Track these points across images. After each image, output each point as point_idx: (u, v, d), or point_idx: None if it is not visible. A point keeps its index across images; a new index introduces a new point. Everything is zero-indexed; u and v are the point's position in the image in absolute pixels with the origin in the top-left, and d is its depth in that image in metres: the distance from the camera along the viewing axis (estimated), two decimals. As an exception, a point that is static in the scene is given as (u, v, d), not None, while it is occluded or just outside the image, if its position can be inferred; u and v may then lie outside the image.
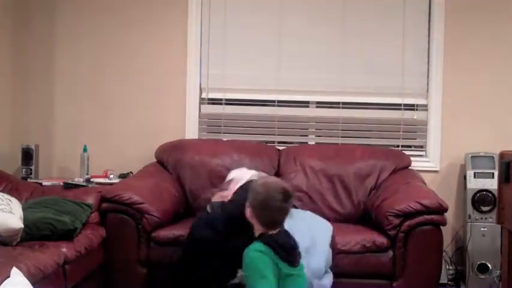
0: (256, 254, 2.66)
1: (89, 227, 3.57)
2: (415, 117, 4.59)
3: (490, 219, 4.09)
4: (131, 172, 4.35)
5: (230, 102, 4.68)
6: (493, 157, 4.17)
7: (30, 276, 2.65)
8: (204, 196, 4.11)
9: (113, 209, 3.69)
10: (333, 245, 3.50)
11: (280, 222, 2.77)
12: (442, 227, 3.60)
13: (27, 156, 4.38)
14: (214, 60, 4.63)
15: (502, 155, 3.22)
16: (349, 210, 4.13)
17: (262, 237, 2.72)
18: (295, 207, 3.70)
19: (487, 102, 4.48)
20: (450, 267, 4.37)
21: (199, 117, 4.66)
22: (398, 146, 4.59)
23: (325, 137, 4.66)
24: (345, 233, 3.66)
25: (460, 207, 4.42)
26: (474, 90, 4.48)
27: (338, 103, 4.62)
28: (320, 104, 4.67)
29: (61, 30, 4.65)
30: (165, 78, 4.62)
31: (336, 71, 4.59)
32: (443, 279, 4.13)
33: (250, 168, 4.08)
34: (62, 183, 4.05)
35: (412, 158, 4.39)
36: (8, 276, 2.54)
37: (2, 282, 2.48)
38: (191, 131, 4.62)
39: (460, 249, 4.38)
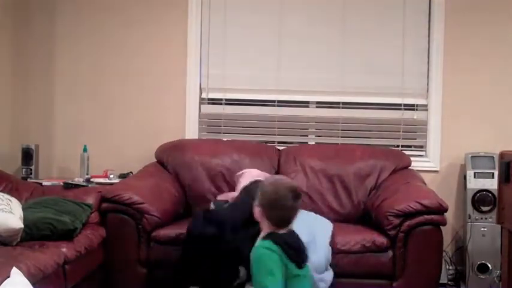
0: (266, 252, 2.67)
1: (89, 227, 3.57)
2: (415, 117, 4.59)
3: (490, 219, 4.09)
4: (131, 172, 4.35)
5: (230, 102, 4.68)
6: (493, 157, 4.17)
7: (30, 276, 2.65)
8: (203, 195, 4.14)
9: (113, 209, 3.69)
10: (332, 243, 3.51)
11: (290, 221, 2.78)
12: (442, 227, 3.60)
13: (27, 156, 4.38)
14: (214, 60, 4.63)
15: (502, 155, 3.22)
16: (349, 210, 4.13)
17: (271, 236, 2.73)
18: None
19: (487, 102, 4.48)
20: (450, 267, 4.37)
21: (199, 117, 4.66)
22: (398, 146, 4.59)
23: (325, 137, 4.66)
24: (344, 232, 3.67)
25: (460, 207, 4.42)
26: (474, 90, 4.49)
27: (338, 103, 4.62)
28: (320, 104, 4.67)
29: (61, 30, 4.65)
30: (165, 78, 4.62)
31: (336, 71, 4.59)
32: (443, 279, 4.13)
33: (250, 167, 4.11)
34: (62, 183, 4.05)
35: (412, 158, 4.39)
36: (8, 276, 2.54)
37: (2, 282, 2.48)
38: (191, 131, 4.62)
39: (460, 249, 4.38)
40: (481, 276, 4.15)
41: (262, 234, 2.79)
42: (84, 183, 4.11)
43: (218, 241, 3.22)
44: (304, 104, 4.68)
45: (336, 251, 3.51)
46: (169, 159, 4.29)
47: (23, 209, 3.28)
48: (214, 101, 4.70)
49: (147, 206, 3.66)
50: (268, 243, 2.69)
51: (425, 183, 4.06)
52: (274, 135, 4.63)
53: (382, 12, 4.55)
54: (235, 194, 3.70)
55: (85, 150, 4.41)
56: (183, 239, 3.45)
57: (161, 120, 4.61)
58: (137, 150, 4.54)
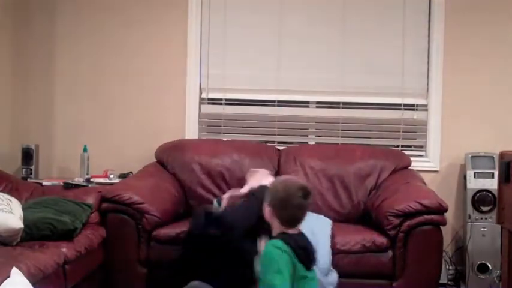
0: (276, 251, 2.67)
1: (89, 227, 3.57)
2: (415, 117, 4.59)
3: (490, 219, 4.09)
4: (131, 172, 4.35)
5: (230, 102, 4.68)
6: (493, 157, 4.17)
7: (30, 276, 2.65)
8: (203, 195, 4.15)
9: (113, 209, 3.69)
10: (332, 244, 3.51)
11: (300, 220, 2.79)
12: (442, 227, 3.60)
13: (27, 156, 4.38)
14: (214, 60, 4.63)
15: (502, 155, 3.22)
16: (349, 210, 4.13)
17: (282, 236, 2.73)
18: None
19: (487, 102, 4.48)
20: (450, 267, 4.37)
21: (199, 117, 4.66)
22: (398, 146, 4.59)
23: (325, 137, 4.66)
24: (344, 232, 3.67)
25: (460, 207, 4.42)
26: (474, 90, 4.49)
27: (338, 103, 4.62)
28: (320, 104, 4.67)
29: (61, 30, 4.65)
30: (165, 78, 4.62)
31: (336, 71, 4.59)
32: (443, 279, 4.13)
33: (250, 167, 4.11)
34: (62, 183, 4.05)
35: (412, 158, 4.39)
36: (8, 276, 2.54)
37: (2, 282, 2.48)
38: (191, 131, 4.62)
39: (460, 249, 4.38)
40: (481, 276, 4.15)
41: (272, 234, 2.80)
42: (84, 183, 4.11)
43: (221, 242, 3.21)
44: (304, 104, 4.68)
45: (336, 251, 3.51)
46: (169, 159, 4.29)
47: (23, 209, 3.28)
48: (214, 101, 4.70)
49: (147, 206, 3.66)
50: (279, 243, 2.69)
51: (425, 183, 4.06)
52: (274, 135, 4.63)
53: (382, 12, 4.55)
54: (242, 190, 3.71)
55: (85, 150, 4.41)
56: (183, 238, 3.45)
57: (161, 120, 4.61)
58: (137, 150, 4.54)
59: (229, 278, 3.16)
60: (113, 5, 4.63)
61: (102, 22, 4.63)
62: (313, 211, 3.89)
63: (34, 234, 3.19)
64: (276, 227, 2.79)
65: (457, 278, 4.36)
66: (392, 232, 3.57)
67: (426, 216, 3.55)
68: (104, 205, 3.71)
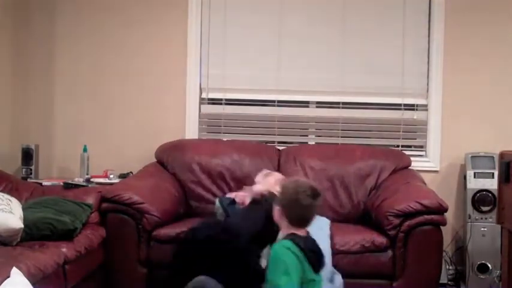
0: (285, 251, 2.67)
1: (89, 227, 3.57)
2: (415, 117, 4.59)
3: (490, 219, 4.09)
4: (131, 172, 4.35)
5: (230, 102, 4.68)
6: (493, 157, 4.17)
7: (30, 276, 2.65)
8: (203, 196, 4.15)
9: (113, 209, 3.69)
10: (332, 244, 3.51)
11: (309, 220, 2.80)
12: (442, 227, 3.60)
13: (27, 156, 4.38)
14: (214, 60, 4.63)
15: (502, 155, 3.22)
16: (349, 210, 4.13)
17: (292, 237, 2.73)
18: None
19: (487, 102, 4.48)
20: (450, 267, 4.37)
21: (199, 117, 4.66)
22: (398, 146, 4.59)
23: (325, 137, 4.66)
24: (344, 233, 3.67)
25: (460, 207, 4.42)
26: (474, 90, 4.49)
27: (338, 103, 4.62)
28: (320, 104, 4.67)
29: (61, 30, 4.65)
30: (165, 78, 4.62)
31: (336, 71, 4.59)
32: (443, 279, 4.13)
33: (250, 167, 4.16)
34: (62, 183, 4.05)
35: (412, 158, 4.39)
36: (8, 276, 2.54)
37: (2, 282, 2.48)
38: (191, 131, 4.62)
39: (460, 249, 4.38)
40: (481, 276, 4.15)
41: (281, 235, 2.80)
42: (84, 183, 4.11)
43: (226, 249, 3.19)
44: (304, 104, 4.68)
45: (335, 252, 3.51)
46: (169, 159, 4.29)
47: (23, 209, 3.28)
48: (214, 101, 4.70)
49: (147, 206, 3.66)
50: (289, 243, 2.69)
51: (425, 183, 4.06)
52: (274, 135, 4.63)
53: (382, 12, 4.55)
54: (256, 188, 3.74)
55: (85, 150, 4.41)
56: (185, 238, 3.44)
57: (161, 120, 4.61)
58: (137, 150, 4.54)
59: (230, 275, 3.15)
60: (113, 5, 4.63)
61: (102, 22, 4.63)
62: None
63: (34, 234, 3.19)
64: (285, 228, 2.79)
65: (457, 278, 4.36)
66: (392, 232, 3.57)
67: (426, 216, 3.55)
68: (104, 205, 3.72)
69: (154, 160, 4.38)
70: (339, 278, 3.36)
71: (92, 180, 4.25)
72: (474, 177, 4.20)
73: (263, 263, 3.08)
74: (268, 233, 3.09)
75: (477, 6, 4.45)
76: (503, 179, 3.18)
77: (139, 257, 3.65)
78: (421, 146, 4.61)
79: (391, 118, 4.59)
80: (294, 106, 4.66)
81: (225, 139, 4.58)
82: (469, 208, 4.18)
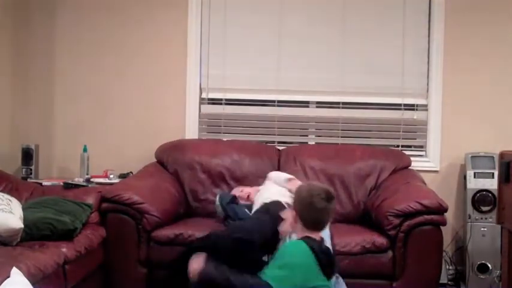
0: (294, 250, 2.67)
1: (89, 227, 3.57)
2: (415, 117, 4.59)
3: (490, 219, 4.09)
4: (131, 172, 4.35)
5: (230, 102, 4.68)
6: (493, 157, 4.17)
7: (30, 276, 2.65)
8: (203, 196, 4.16)
9: (113, 209, 3.69)
10: (332, 245, 3.50)
11: (324, 224, 2.81)
12: (442, 227, 3.60)
13: (27, 156, 4.38)
14: (214, 60, 4.63)
15: (502, 155, 3.22)
16: (349, 210, 4.13)
17: (306, 239, 2.73)
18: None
19: (487, 102, 4.48)
20: (450, 267, 4.37)
21: (199, 117, 4.66)
22: (398, 146, 4.59)
23: (325, 137, 4.66)
24: (344, 234, 3.65)
25: (460, 207, 4.42)
26: (474, 90, 4.49)
27: (338, 103, 4.62)
28: (320, 104, 4.67)
29: (61, 30, 4.65)
30: (165, 78, 4.62)
31: (336, 71, 4.59)
32: (443, 279, 4.13)
33: (250, 167, 4.18)
34: (62, 183, 4.05)
35: (412, 158, 4.39)
36: (8, 276, 2.54)
37: (2, 282, 2.48)
38: (191, 131, 4.62)
39: (460, 249, 4.38)
40: (481, 276, 4.15)
41: (295, 239, 2.80)
42: (84, 183, 4.11)
43: (240, 251, 3.13)
44: (304, 104, 4.68)
45: (336, 253, 3.49)
46: (169, 159, 4.29)
47: (23, 209, 3.28)
48: (214, 101, 4.70)
49: (147, 206, 3.66)
50: (302, 244, 2.69)
51: (425, 183, 4.06)
52: (274, 135, 4.63)
53: (382, 12, 4.55)
54: (249, 191, 3.74)
55: (85, 150, 4.41)
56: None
57: (161, 120, 4.61)
58: (137, 150, 4.54)
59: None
60: (112, 5, 4.63)
61: (102, 22, 4.63)
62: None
63: (34, 234, 3.19)
64: (300, 231, 2.79)
65: (457, 278, 4.36)
66: (392, 232, 3.57)
67: (426, 216, 3.55)
68: (104, 205, 3.72)
69: (154, 160, 4.38)
70: (340, 281, 3.35)
71: (92, 180, 4.25)
72: (474, 177, 4.20)
73: None
74: (271, 242, 3.08)
75: (477, 6, 4.45)
76: (503, 179, 3.18)
77: (139, 257, 3.65)
78: (421, 146, 4.61)
79: (391, 118, 4.59)
80: (294, 106, 4.66)
81: (225, 139, 4.58)
82: (469, 208, 4.18)
